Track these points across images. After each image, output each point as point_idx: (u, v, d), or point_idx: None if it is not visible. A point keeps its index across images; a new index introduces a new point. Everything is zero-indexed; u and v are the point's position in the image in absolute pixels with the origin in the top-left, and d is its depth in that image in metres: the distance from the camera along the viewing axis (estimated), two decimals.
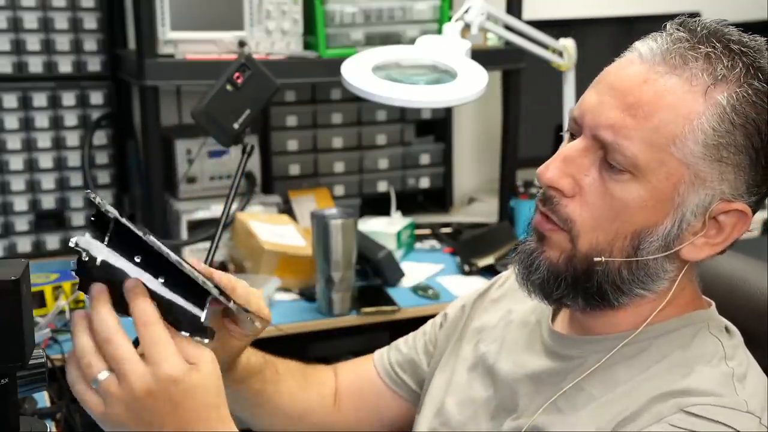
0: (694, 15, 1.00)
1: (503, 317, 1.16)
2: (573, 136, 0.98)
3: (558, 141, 1.06)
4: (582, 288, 0.97)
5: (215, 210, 2.08)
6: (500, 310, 1.18)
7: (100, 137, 2.22)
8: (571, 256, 0.96)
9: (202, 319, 0.82)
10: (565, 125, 1.03)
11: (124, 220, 0.81)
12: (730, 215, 0.94)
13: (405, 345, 1.29)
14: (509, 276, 1.22)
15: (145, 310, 0.81)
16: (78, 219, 2.22)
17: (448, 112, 2.54)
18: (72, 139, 2.18)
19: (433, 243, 2.31)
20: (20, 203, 2.16)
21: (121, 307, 0.82)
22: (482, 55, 1.95)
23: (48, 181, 2.18)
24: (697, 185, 0.92)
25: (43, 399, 1.44)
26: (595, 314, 1.00)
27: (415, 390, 1.26)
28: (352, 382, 1.30)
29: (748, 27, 0.99)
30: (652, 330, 0.99)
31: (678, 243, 0.95)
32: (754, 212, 0.96)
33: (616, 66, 0.96)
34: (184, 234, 2.08)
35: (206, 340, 0.82)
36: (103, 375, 0.80)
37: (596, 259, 0.95)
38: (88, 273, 0.82)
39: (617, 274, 0.96)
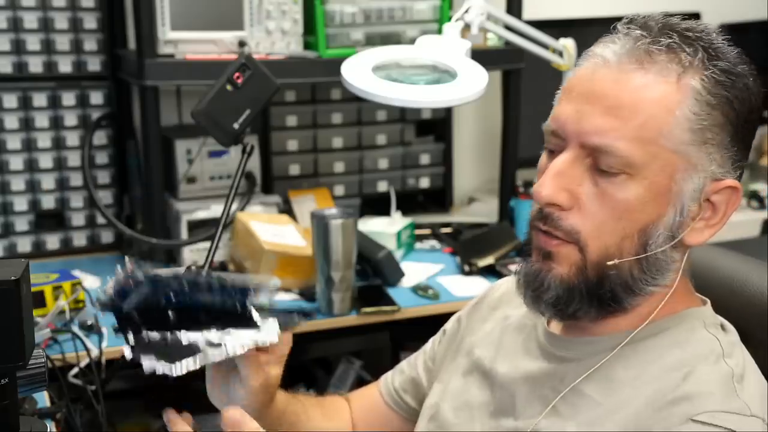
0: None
1: (499, 323, 1.16)
2: (551, 152, 0.99)
3: None
4: (596, 296, 0.97)
5: (215, 210, 2.08)
6: (496, 317, 1.17)
7: (100, 137, 2.22)
8: (582, 267, 0.96)
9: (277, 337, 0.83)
10: None
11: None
12: (722, 193, 0.96)
13: (407, 365, 1.30)
14: (504, 283, 1.23)
15: None
16: (78, 219, 2.22)
17: (448, 112, 2.54)
18: (72, 139, 2.18)
19: (433, 243, 2.31)
20: (20, 203, 2.16)
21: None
22: (482, 55, 1.96)
23: (48, 181, 2.18)
24: (691, 171, 0.94)
25: (43, 399, 1.44)
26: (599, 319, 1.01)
27: (417, 410, 1.25)
28: (362, 409, 1.32)
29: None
30: (647, 329, 0.99)
31: (681, 231, 0.96)
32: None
33: (583, 74, 0.97)
34: (184, 234, 2.08)
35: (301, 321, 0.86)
36: None
37: (609, 263, 0.95)
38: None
39: (629, 275, 0.96)
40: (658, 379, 0.96)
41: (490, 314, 1.19)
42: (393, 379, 1.31)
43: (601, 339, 1.00)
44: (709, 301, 1.05)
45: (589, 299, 0.97)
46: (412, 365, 1.29)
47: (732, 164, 0.96)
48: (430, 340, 1.30)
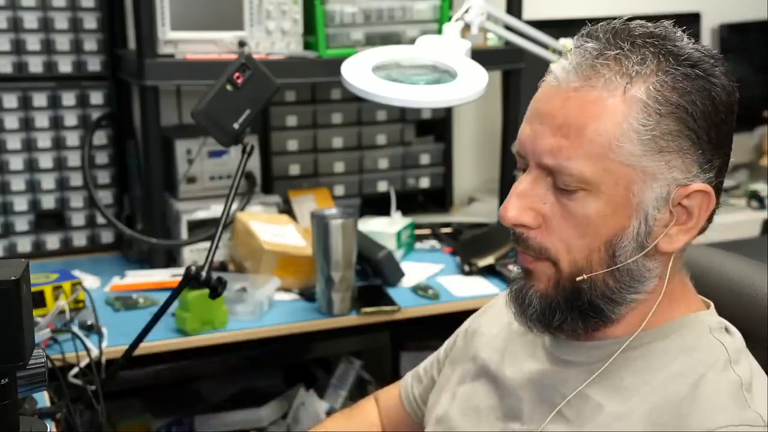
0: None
1: (505, 328, 1.16)
2: (523, 171, 1.01)
3: None
4: (576, 308, 0.98)
5: (215, 210, 2.08)
6: (502, 323, 1.18)
7: (100, 137, 2.22)
8: (558, 281, 0.98)
9: None
10: None
11: None
12: (693, 197, 0.95)
13: (424, 374, 1.32)
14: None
15: None
16: (78, 219, 2.22)
17: (448, 112, 2.54)
18: (72, 139, 2.18)
19: (433, 243, 2.31)
20: (20, 203, 2.16)
21: None
22: (482, 55, 1.96)
23: (48, 181, 2.18)
24: (649, 181, 0.94)
25: (43, 399, 1.44)
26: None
27: None
28: (387, 410, 1.37)
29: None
30: (652, 333, 1.00)
31: (651, 239, 0.96)
32: (719, 184, 0.98)
33: (539, 94, 0.99)
34: (184, 234, 2.08)
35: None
36: None
37: (578, 278, 0.96)
38: None
39: (604, 285, 0.97)
40: (665, 387, 0.96)
41: (496, 319, 1.19)
42: (413, 386, 1.33)
43: (606, 343, 1.01)
44: (712, 304, 1.05)
45: (570, 312, 0.98)
46: (428, 374, 1.30)
47: (699, 167, 0.95)
48: (443, 347, 1.31)
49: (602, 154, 0.93)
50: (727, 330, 1.02)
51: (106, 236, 2.26)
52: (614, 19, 0.99)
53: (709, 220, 0.99)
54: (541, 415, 1.02)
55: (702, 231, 0.99)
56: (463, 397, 1.14)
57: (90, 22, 2.16)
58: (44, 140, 2.16)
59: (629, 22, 0.98)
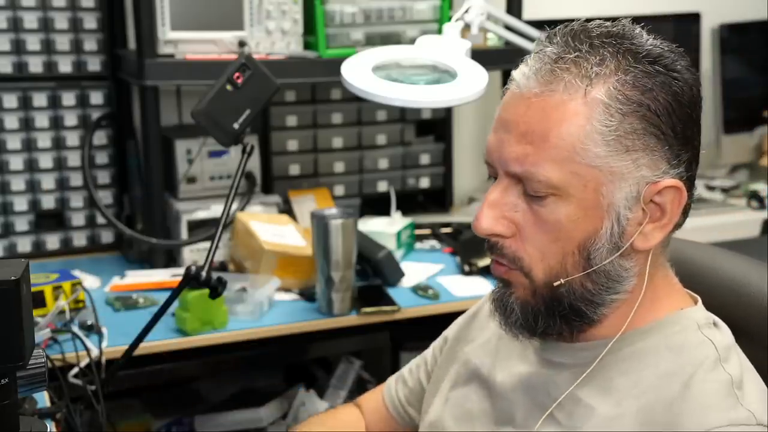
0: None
1: (495, 331, 1.15)
2: (493, 178, 1.01)
3: None
4: (558, 313, 0.98)
5: (215, 210, 2.08)
6: (492, 326, 1.16)
7: (100, 137, 2.22)
8: (534, 289, 0.98)
9: None
10: None
11: None
12: (664, 193, 0.95)
13: (410, 376, 1.31)
14: None
15: None
16: (78, 219, 2.22)
17: (448, 112, 2.53)
18: (72, 139, 2.18)
19: (433, 243, 2.31)
20: (20, 203, 2.16)
21: None
22: (482, 55, 1.96)
23: (48, 181, 2.18)
24: (617, 181, 0.94)
25: (43, 399, 1.44)
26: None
27: None
28: (371, 416, 1.34)
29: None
30: (639, 333, 1.00)
31: (626, 239, 0.96)
32: (691, 177, 0.98)
33: (503, 102, 0.99)
34: (184, 234, 2.08)
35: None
36: None
37: (555, 283, 0.96)
38: None
39: (582, 288, 0.97)
40: (655, 387, 0.96)
41: (486, 323, 1.19)
42: (397, 389, 1.31)
43: (594, 345, 1.01)
44: (699, 299, 1.05)
45: (551, 317, 0.99)
46: (415, 378, 1.30)
47: (668, 162, 0.95)
48: (431, 348, 1.30)
49: (568, 158, 0.93)
50: (715, 325, 1.02)
51: (106, 236, 2.25)
52: (572, 21, 1.00)
53: (685, 214, 0.99)
54: (533, 419, 1.02)
55: (678, 226, 0.99)
56: (455, 401, 1.14)
57: (90, 22, 2.16)
58: (44, 140, 2.16)
59: (587, 23, 0.99)
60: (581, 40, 0.96)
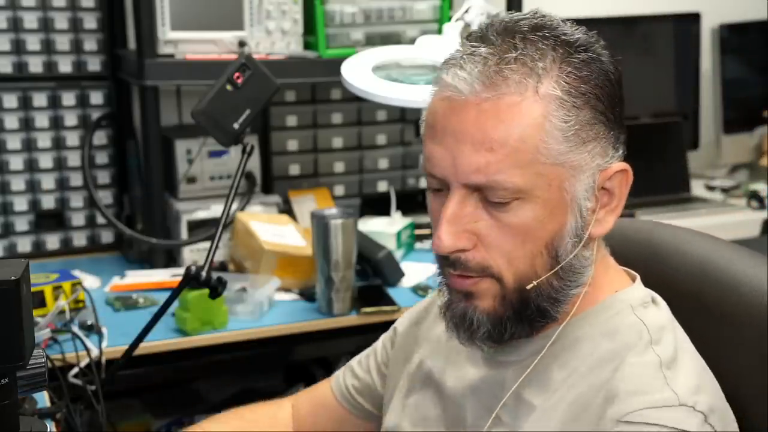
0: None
1: (445, 332, 1.12)
2: (437, 191, 0.97)
3: None
4: (526, 317, 0.97)
5: (215, 210, 2.08)
6: (442, 326, 1.12)
7: (100, 137, 2.22)
8: (504, 294, 0.96)
9: None
10: None
11: None
12: (614, 178, 0.96)
13: (360, 368, 1.28)
14: None
15: None
16: (78, 219, 2.22)
17: None
18: (72, 139, 2.18)
19: None
20: (20, 203, 2.16)
21: None
22: None
23: (48, 181, 2.18)
24: (578, 174, 0.93)
25: (43, 399, 1.44)
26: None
27: (374, 413, 1.24)
28: (311, 407, 1.30)
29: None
30: (578, 321, 0.99)
31: (586, 230, 0.95)
32: (625, 155, 0.98)
33: (441, 109, 0.94)
34: (184, 234, 2.08)
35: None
36: None
37: (528, 286, 0.95)
38: None
39: (550, 287, 0.96)
40: (589, 375, 0.95)
41: (437, 321, 1.14)
42: (345, 379, 1.28)
43: (535, 339, 0.99)
44: (638, 276, 1.04)
45: (519, 322, 0.97)
46: (365, 369, 1.27)
47: (613, 147, 0.95)
48: (381, 341, 1.27)
49: (532, 160, 0.90)
50: (654, 302, 1.01)
51: (106, 236, 2.26)
52: (496, 17, 0.97)
53: (629, 195, 0.99)
54: (482, 421, 1.01)
55: (625, 207, 0.99)
56: (412, 407, 1.12)
57: (90, 22, 2.16)
58: (44, 140, 2.16)
59: (507, 18, 0.96)
60: (515, 36, 0.93)
